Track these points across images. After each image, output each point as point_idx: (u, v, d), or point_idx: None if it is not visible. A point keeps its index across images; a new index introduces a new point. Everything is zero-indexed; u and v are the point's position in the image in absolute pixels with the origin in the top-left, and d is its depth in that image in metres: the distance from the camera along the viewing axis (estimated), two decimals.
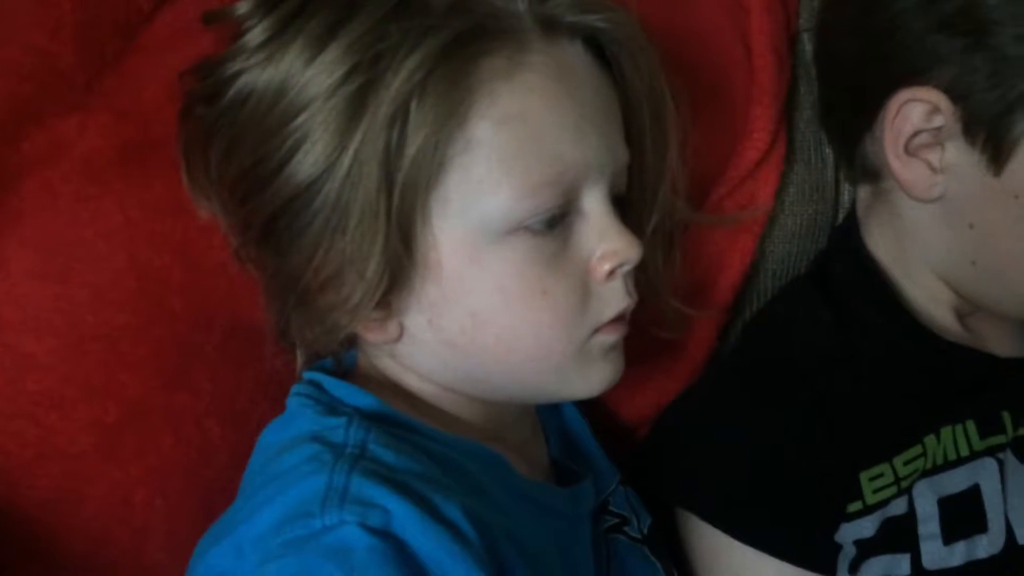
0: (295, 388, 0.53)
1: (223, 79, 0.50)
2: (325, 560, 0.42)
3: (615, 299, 0.51)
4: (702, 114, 0.63)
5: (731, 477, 0.60)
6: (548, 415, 0.62)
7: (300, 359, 0.55)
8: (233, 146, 0.50)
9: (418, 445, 0.49)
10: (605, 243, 0.50)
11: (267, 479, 0.47)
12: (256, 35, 0.49)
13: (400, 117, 0.46)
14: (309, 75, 0.47)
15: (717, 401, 0.64)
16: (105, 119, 0.56)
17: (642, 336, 0.57)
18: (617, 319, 0.52)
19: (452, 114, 0.46)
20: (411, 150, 0.46)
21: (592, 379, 0.52)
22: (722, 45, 0.69)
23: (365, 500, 0.44)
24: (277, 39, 0.48)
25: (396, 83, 0.45)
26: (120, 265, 0.56)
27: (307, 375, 0.53)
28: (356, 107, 0.46)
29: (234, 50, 0.50)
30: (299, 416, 0.51)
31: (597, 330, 0.51)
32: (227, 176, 0.51)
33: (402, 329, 0.51)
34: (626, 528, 0.60)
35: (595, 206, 0.50)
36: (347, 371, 0.56)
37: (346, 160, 0.46)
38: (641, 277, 0.54)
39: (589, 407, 0.65)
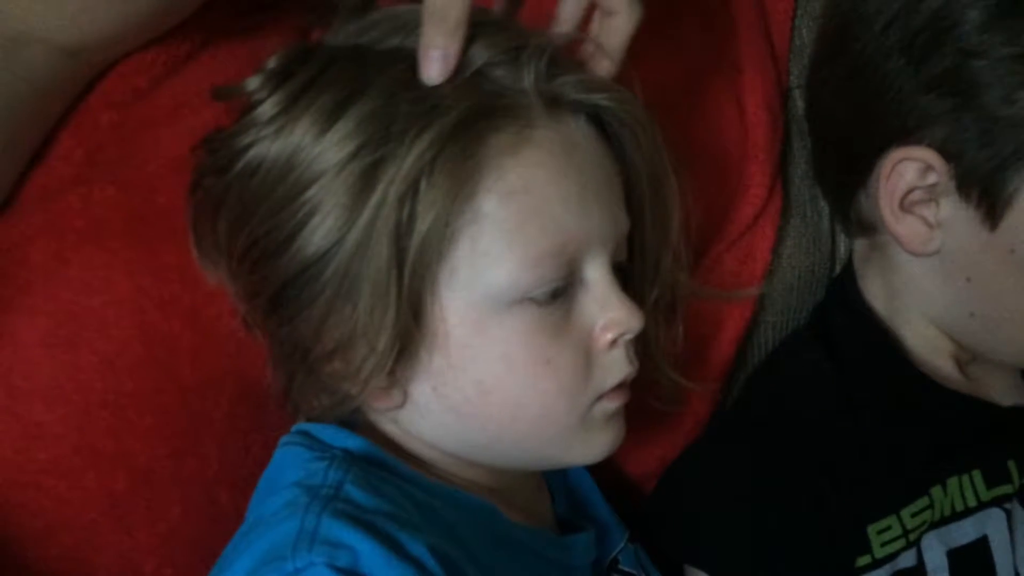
0: (283, 439, 0.53)
1: (233, 151, 0.51)
2: None
3: (617, 367, 0.52)
4: (701, 173, 0.64)
5: (738, 534, 0.61)
6: (554, 475, 0.62)
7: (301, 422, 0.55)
8: (243, 217, 0.50)
9: (400, 488, 0.49)
10: (607, 312, 0.51)
11: (249, 526, 0.49)
12: (267, 109, 0.50)
13: (411, 195, 0.47)
14: (319, 149, 0.48)
15: (721, 458, 0.65)
16: (109, 191, 0.57)
17: (650, 392, 0.58)
18: (619, 386, 0.53)
19: (461, 190, 0.47)
20: (422, 226, 0.47)
21: (594, 445, 0.53)
22: (717, 104, 0.70)
23: (333, 541, 0.45)
24: (287, 113, 0.49)
25: (407, 162, 0.46)
26: (129, 332, 0.56)
27: (295, 427, 0.54)
28: (366, 183, 0.47)
29: (245, 123, 0.51)
30: (288, 460, 0.52)
31: (600, 397, 0.52)
32: (236, 246, 0.51)
33: (406, 396, 0.51)
34: None
35: (597, 276, 0.51)
36: None
37: (356, 235, 0.47)
38: (641, 347, 0.55)
39: (596, 464, 0.65)
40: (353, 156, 0.47)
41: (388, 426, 0.54)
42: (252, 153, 0.50)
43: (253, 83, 0.51)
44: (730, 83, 0.70)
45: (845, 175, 0.67)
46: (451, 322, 0.49)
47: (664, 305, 0.59)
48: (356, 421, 0.56)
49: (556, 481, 0.62)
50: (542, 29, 0.53)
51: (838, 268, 0.74)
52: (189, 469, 0.57)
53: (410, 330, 0.48)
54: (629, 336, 0.52)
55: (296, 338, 0.51)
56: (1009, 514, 0.62)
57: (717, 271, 0.69)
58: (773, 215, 0.70)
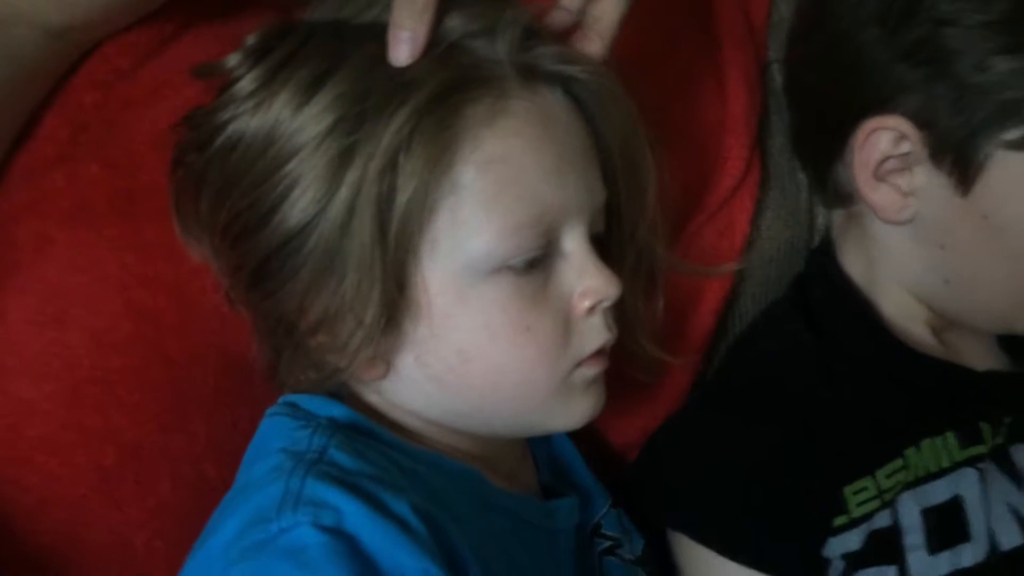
0: (269, 410, 0.54)
1: (213, 127, 0.51)
2: (282, 560, 0.44)
3: (595, 334, 0.53)
4: (680, 145, 0.65)
5: (718, 496, 0.62)
6: (538, 444, 0.63)
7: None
8: (224, 191, 0.51)
9: (383, 454, 0.50)
10: (585, 280, 0.52)
11: (236, 492, 0.50)
12: (245, 84, 0.50)
13: (390, 168, 0.47)
14: (298, 123, 0.48)
15: (702, 423, 0.66)
16: (94, 169, 0.57)
17: (629, 363, 0.59)
18: (598, 353, 0.53)
19: (439, 161, 0.48)
20: (403, 198, 0.47)
21: (575, 411, 0.54)
22: (696, 78, 0.71)
23: (318, 501, 0.46)
24: (266, 88, 0.50)
25: (385, 135, 0.47)
26: (115, 309, 0.57)
27: (281, 399, 0.55)
28: (345, 156, 0.47)
29: (224, 99, 0.51)
30: (273, 430, 0.53)
31: (579, 364, 0.53)
32: (218, 221, 0.52)
33: (389, 367, 0.52)
34: (619, 550, 0.61)
35: (575, 245, 0.52)
36: None
37: (336, 208, 0.48)
38: (620, 317, 0.56)
39: (579, 434, 0.66)
40: (331, 130, 0.48)
41: (371, 397, 0.55)
42: (232, 128, 0.50)
43: (233, 60, 0.51)
44: (709, 58, 0.71)
45: (822, 146, 0.68)
46: (433, 292, 0.50)
47: (643, 277, 0.60)
48: (341, 393, 0.57)
49: (540, 449, 0.63)
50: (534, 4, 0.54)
51: (817, 240, 0.75)
52: (177, 444, 0.58)
53: (395, 301, 0.49)
54: (607, 303, 0.53)
55: (280, 312, 0.51)
56: (982, 473, 0.63)
57: (697, 242, 0.70)
58: (752, 187, 0.71)
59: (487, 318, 0.50)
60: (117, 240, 0.57)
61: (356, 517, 0.45)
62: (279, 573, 0.44)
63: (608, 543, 0.61)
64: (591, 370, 0.53)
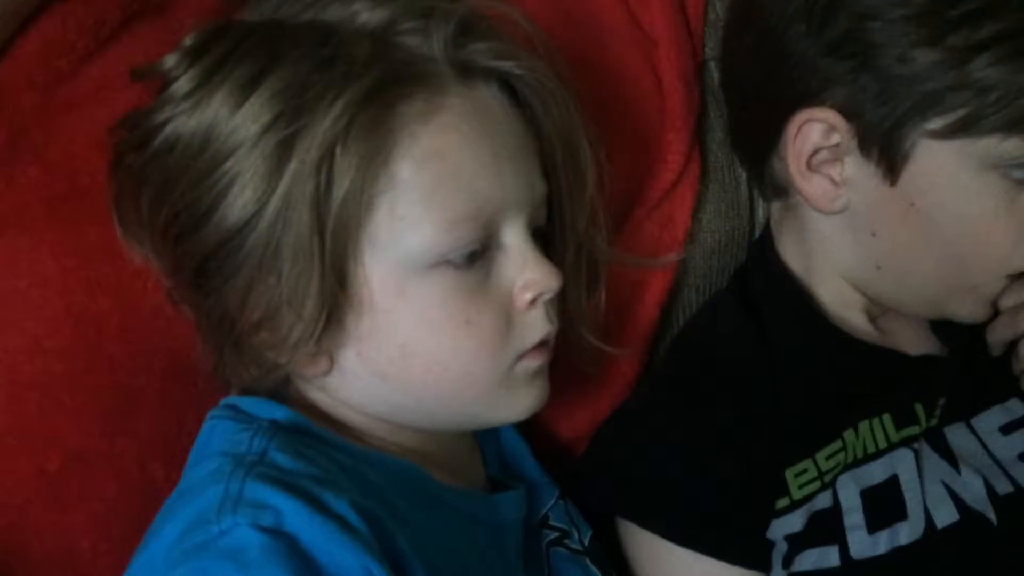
0: (211, 413, 0.54)
1: (151, 128, 0.51)
2: (222, 561, 0.44)
3: (537, 326, 0.54)
4: (619, 141, 0.66)
5: (663, 483, 0.63)
6: (486, 438, 0.64)
7: (234, 395, 0.56)
8: (163, 192, 0.51)
9: (325, 454, 0.51)
10: (525, 273, 0.53)
11: (176, 496, 0.50)
12: (182, 84, 0.51)
13: (327, 162, 0.48)
14: (235, 122, 0.49)
15: (647, 411, 0.67)
16: (33, 172, 0.57)
17: (574, 356, 0.60)
18: (540, 345, 0.54)
19: (376, 156, 0.49)
20: (339, 193, 0.48)
21: (518, 404, 0.55)
22: (634, 75, 0.72)
23: (257, 503, 0.46)
24: (203, 87, 0.50)
25: (321, 130, 0.48)
26: (56, 313, 0.56)
27: (223, 401, 0.55)
28: (283, 153, 0.48)
29: (162, 100, 0.52)
30: (215, 433, 0.53)
31: (521, 356, 0.54)
32: (158, 221, 0.52)
33: (332, 363, 0.53)
34: (567, 541, 0.62)
35: (514, 239, 0.53)
36: None
37: (275, 204, 0.48)
38: (563, 308, 0.57)
39: (528, 428, 0.67)
40: (269, 127, 0.48)
41: (316, 394, 0.55)
42: (170, 128, 0.51)
43: (170, 60, 0.52)
44: (647, 55, 0.73)
45: (758, 140, 0.70)
46: (374, 287, 0.50)
47: (585, 270, 0.60)
48: (287, 393, 0.57)
49: (488, 443, 0.64)
50: None
51: (757, 232, 0.77)
52: (122, 447, 0.58)
53: (336, 296, 0.50)
54: (547, 296, 0.54)
55: (222, 310, 0.52)
56: (917, 453, 0.65)
57: (640, 235, 0.71)
58: (692, 181, 0.73)
59: (428, 312, 0.51)
60: (58, 244, 0.57)
61: (296, 517, 0.45)
62: (219, 574, 0.44)
63: (555, 534, 0.62)
64: (534, 362, 0.54)
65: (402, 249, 0.50)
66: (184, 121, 0.50)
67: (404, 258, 0.50)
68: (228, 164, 0.49)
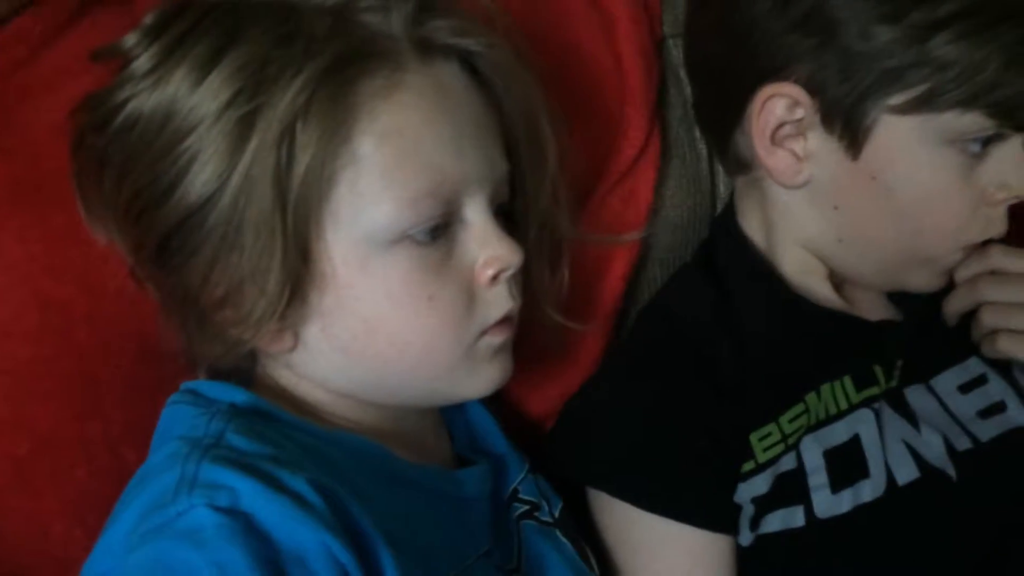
0: (170, 398, 0.55)
1: (112, 107, 0.51)
2: (179, 542, 0.45)
3: (499, 302, 0.54)
4: (580, 117, 0.66)
5: (630, 450, 0.64)
6: (453, 414, 0.65)
7: (201, 377, 0.57)
8: (125, 170, 0.51)
9: (285, 435, 0.51)
10: (487, 250, 0.53)
11: (135, 481, 0.51)
12: (142, 63, 0.51)
13: (287, 137, 0.48)
14: (196, 99, 0.49)
15: (613, 381, 0.68)
16: None
17: (540, 333, 0.61)
18: (503, 321, 0.55)
19: (336, 132, 0.49)
20: (300, 168, 0.48)
21: (481, 380, 0.56)
22: (594, 53, 0.72)
23: (212, 483, 0.46)
24: (163, 65, 0.50)
25: (281, 106, 0.48)
26: (22, 298, 0.56)
27: (183, 385, 0.55)
28: (243, 129, 0.48)
29: (122, 78, 0.52)
30: (174, 418, 0.53)
31: (484, 333, 0.54)
32: (120, 199, 0.52)
33: (297, 339, 0.53)
34: (536, 514, 0.63)
35: (476, 215, 0.53)
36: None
37: (236, 180, 0.48)
38: (527, 285, 0.57)
39: (497, 403, 0.68)
40: (229, 103, 0.48)
41: (281, 371, 0.56)
42: (131, 107, 0.50)
43: (131, 39, 0.52)
44: (605, 33, 0.73)
45: (722, 115, 0.70)
46: (336, 262, 0.51)
47: (548, 246, 0.61)
48: (252, 372, 0.58)
49: (456, 420, 0.65)
50: None
51: (719, 208, 0.77)
52: (93, 431, 0.58)
53: (299, 272, 0.50)
54: (509, 272, 0.54)
55: (184, 288, 0.52)
56: (877, 413, 0.67)
57: (603, 210, 0.72)
58: (653, 156, 0.73)
59: (390, 288, 0.51)
60: (22, 229, 0.57)
61: (251, 496, 0.46)
62: (177, 555, 0.45)
63: (525, 507, 0.62)
64: (496, 338, 0.55)
65: (363, 225, 0.50)
66: (145, 99, 0.50)
67: (366, 234, 0.51)
68: (189, 141, 0.49)
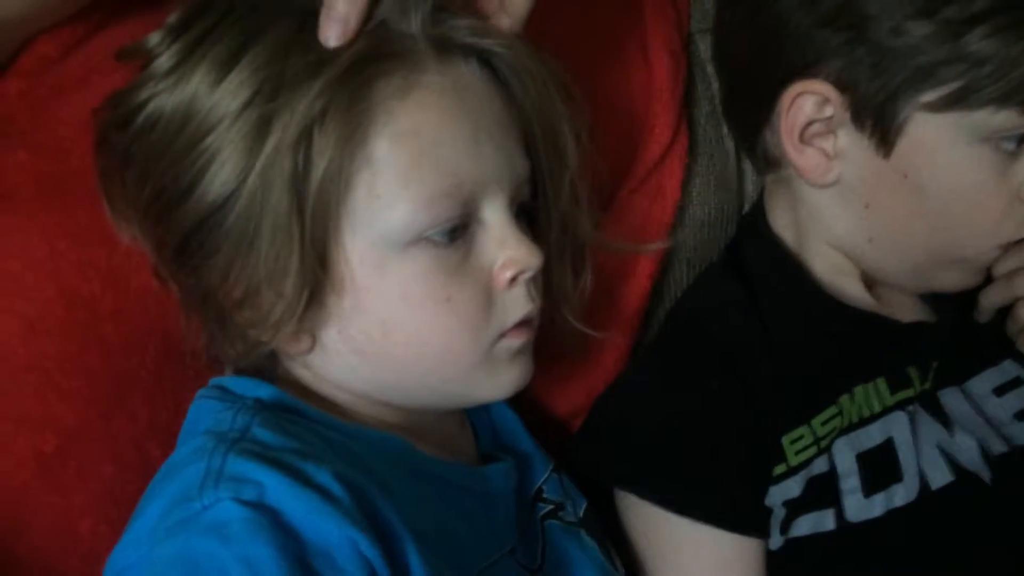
0: (199, 393, 0.55)
1: (134, 105, 0.51)
2: (205, 536, 0.45)
3: (518, 305, 0.54)
4: (607, 114, 0.66)
5: (660, 452, 0.63)
6: (477, 413, 0.64)
7: (228, 374, 0.57)
8: (146, 169, 0.51)
9: (310, 429, 0.51)
10: (506, 251, 0.53)
11: (161, 475, 0.51)
12: (163, 62, 0.51)
13: (304, 141, 0.48)
14: (215, 98, 0.49)
15: (642, 382, 0.68)
16: (22, 156, 0.57)
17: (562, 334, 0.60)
18: (522, 324, 0.54)
19: (353, 135, 0.49)
20: (317, 172, 0.48)
21: (500, 383, 0.55)
22: (621, 49, 0.72)
23: (239, 477, 0.46)
24: (184, 64, 0.50)
25: (299, 110, 0.47)
26: (49, 295, 0.56)
27: (211, 381, 0.55)
28: (261, 129, 0.48)
29: (143, 77, 0.52)
30: (201, 412, 0.53)
31: (503, 335, 0.54)
32: (142, 198, 0.52)
33: (315, 341, 0.53)
34: (561, 513, 0.62)
35: (495, 216, 0.53)
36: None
37: (254, 182, 0.48)
38: (548, 287, 0.57)
39: (522, 403, 0.67)
40: (247, 104, 0.48)
41: (301, 371, 0.56)
42: (152, 106, 0.51)
43: (154, 38, 0.52)
44: (632, 29, 0.72)
45: (750, 113, 0.69)
46: (353, 265, 0.51)
47: (569, 248, 0.60)
48: (275, 370, 0.58)
49: (480, 418, 0.64)
50: None
51: (747, 206, 0.77)
52: (119, 428, 0.58)
53: (316, 275, 0.50)
54: (528, 274, 0.54)
55: (204, 288, 0.52)
56: (911, 416, 0.66)
57: (630, 208, 0.71)
58: (680, 153, 0.73)
59: (407, 289, 0.51)
60: (48, 226, 0.57)
61: (277, 490, 0.46)
62: (203, 549, 0.45)
63: (550, 507, 0.62)
64: (515, 341, 0.54)
65: (381, 227, 0.50)
66: (165, 98, 0.50)
67: (383, 236, 0.50)
68: (208, 140, 0.49)
